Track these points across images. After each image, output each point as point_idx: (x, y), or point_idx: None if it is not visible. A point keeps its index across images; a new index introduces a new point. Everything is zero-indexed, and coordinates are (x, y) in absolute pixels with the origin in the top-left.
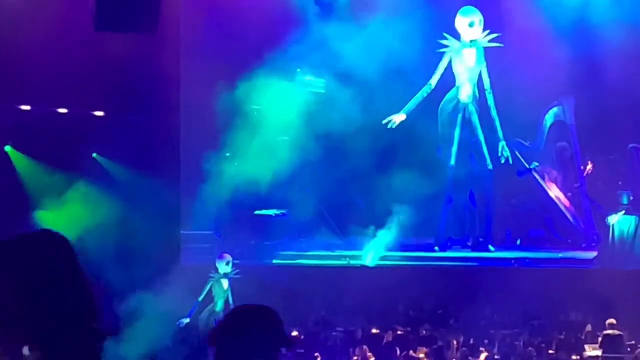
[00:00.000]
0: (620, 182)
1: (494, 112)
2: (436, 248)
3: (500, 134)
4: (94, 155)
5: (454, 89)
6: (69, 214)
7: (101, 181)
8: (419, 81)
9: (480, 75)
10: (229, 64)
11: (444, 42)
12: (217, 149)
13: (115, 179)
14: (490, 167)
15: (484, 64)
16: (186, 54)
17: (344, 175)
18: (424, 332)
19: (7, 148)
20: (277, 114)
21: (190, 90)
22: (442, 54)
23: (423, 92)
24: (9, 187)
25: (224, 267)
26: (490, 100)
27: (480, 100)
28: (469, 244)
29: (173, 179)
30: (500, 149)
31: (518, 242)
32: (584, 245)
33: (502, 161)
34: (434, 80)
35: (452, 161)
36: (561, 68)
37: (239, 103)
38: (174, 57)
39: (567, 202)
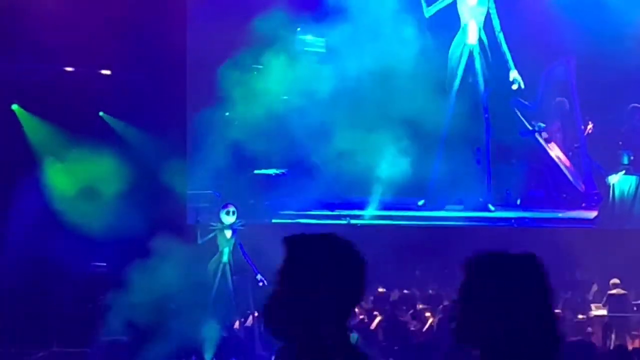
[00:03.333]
0: (620, 142)
1: (505, 48)
2: (420, 203)
3: (511, 64)
4: (101, 113)
5: (460, 31)
6: (75, 172)
7: (108, 140)
8: (421, 34)
9: (488, 18)
10: (234, 23)
11: None
12: (219, 108)
13: (122, 138)
14: (486, 115)
15: (492, 5)
16: (193, 13)
17: (345, 134)
18: (430, 291)
19: (14, 106)
20: (278, 73)
21: (197, 50)
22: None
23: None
24: (16, 145)
25: (226, 218)
26: (501, 38)
27: (489, 43)
28: (462, 204)
29: (179, 138)
30: (511, 77)
31: (518, 201)
32: (584, 205)
33: (515, 87)
34: (431, 11)
35: (451, 109)
36: (563, 27)
37: (242, 62)
38: (181, 15)
39: (567, 162)
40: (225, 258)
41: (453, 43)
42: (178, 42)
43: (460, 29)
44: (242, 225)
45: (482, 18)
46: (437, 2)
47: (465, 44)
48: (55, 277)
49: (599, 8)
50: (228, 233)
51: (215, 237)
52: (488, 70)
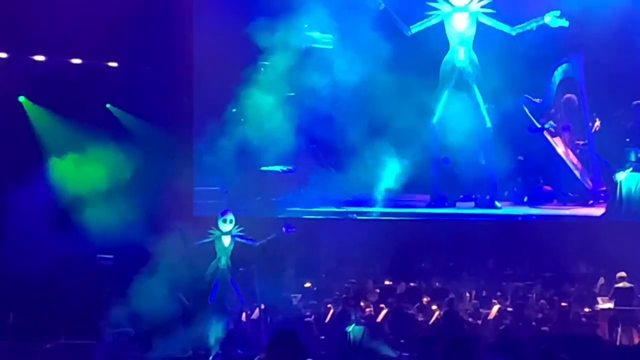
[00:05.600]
0: (628, 139)
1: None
2: (430, 203)
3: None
4: (108, 106)
5: (449, 51)
6: (82, 164)
7: (114, 132)
8: (419, 38)
9: (475, 38)
10: (241, 18)
11: (434, 4)
12: (226, 104)
13: (129, 130)
14: (489, 125)
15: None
16: (199, 6)
17: (353, 131)
18: (436, 284)
19: (21, 99)
20: (285, 70)
21: (204, 45)
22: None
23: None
24: (23, 137)
25: (223, 226)
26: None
27: (479, 60)
28: (474, 198)
29: (186, 133)
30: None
31: (525, 199)
32: (591, 202)
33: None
34: (414, 29)
35: (435, 119)
36: (570, 24)
37: (249, 58)
38: (188, 9)
39: (574, 159)
40: (222, 264)
41: (443, 61)
42: (185, 36)
43: (450, 50)
44: (240, 232)
45: (471, 40)
46: (421, 22)
47: (454, 63)
48: (62, 270)
49: (607, 5)
50: (226, 240)
51: (213, 242)
52: (484, 84)
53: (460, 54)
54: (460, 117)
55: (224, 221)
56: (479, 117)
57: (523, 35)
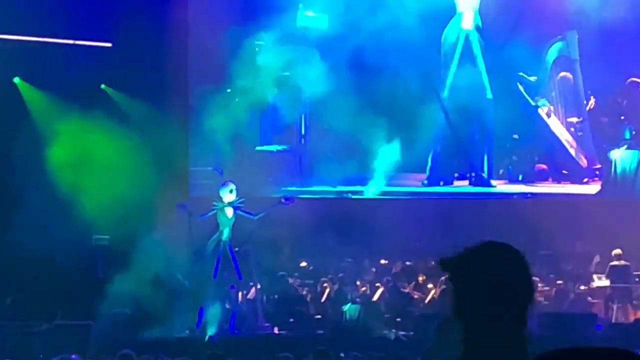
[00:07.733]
0: (622, 117)
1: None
2: (425, 182)
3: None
4: (103, 86)
5: (455, 17)
6: (77, 145)
7: (109, 112)
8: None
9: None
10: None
11: None
12: (221, 84)
13: (124, 111)
14: (489, 96)
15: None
16: None
17: (347, 111)
18: (432, 262)
19: (16, 80)
20: (280, 49)
21: (198, 25)
22: None
23: None
24: (18, 119)
25: (227, 196)
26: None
27: (485, 27)
28: (470, 177)
29: (181, 113)
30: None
31: (520, 177)
32: (586, 180)
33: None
34: None
35: (446, 93)
36: (565, 2)
37: (244, 38)
38: None
39: (569, 138)
40: (225, 236)
41: (447, 27)
42: (179, 16)
43: (456, 16)
44: (241, 203)
45: (478, 4)
46: None
47: (460, 29)
48: (58, 250)
49: None
50: (229, 211)
51: (215, 215)
52: (487, 53)
53: (469, 18)
54: (467, 90)
55: (230, 191)
56: (481, 88)
57: (518, 14)
